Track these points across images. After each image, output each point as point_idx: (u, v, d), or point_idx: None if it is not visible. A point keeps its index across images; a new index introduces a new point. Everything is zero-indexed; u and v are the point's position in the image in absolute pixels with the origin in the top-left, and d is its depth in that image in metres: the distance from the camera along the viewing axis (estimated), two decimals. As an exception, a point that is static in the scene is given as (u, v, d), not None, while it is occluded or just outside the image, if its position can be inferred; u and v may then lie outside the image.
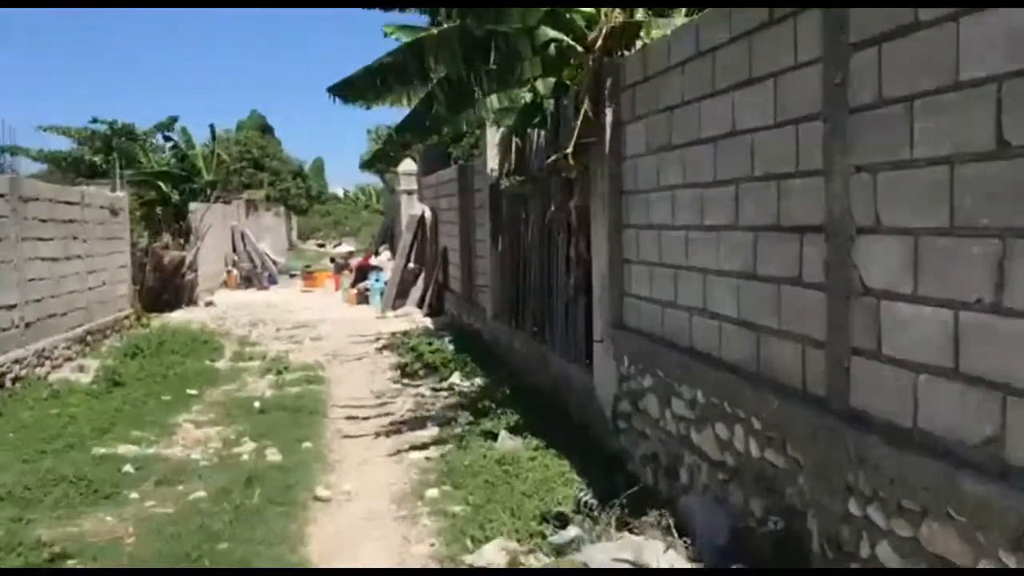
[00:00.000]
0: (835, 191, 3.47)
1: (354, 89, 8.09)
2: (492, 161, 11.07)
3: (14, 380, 9.33)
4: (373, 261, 21.38)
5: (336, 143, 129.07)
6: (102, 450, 7.09)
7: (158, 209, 20.12)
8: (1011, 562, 2.53)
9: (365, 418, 8.26)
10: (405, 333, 13.46)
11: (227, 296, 21.63)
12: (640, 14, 6.44)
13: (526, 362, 9.29)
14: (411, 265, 16.94)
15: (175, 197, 20.24)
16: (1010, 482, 2.59)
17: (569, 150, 6.26)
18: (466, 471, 6.05)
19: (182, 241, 19.64)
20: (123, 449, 7.16)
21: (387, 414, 8.36)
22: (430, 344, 11.79)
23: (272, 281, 24.92)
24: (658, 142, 5.42)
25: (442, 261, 16.02)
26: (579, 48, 6.89)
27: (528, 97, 9.06)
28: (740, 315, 4.39)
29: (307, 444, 7.26)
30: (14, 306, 9.73)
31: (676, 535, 4.26)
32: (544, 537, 4.77)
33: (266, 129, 47.93)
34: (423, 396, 9.12)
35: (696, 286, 4.93)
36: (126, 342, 12.65)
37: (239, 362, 11.72)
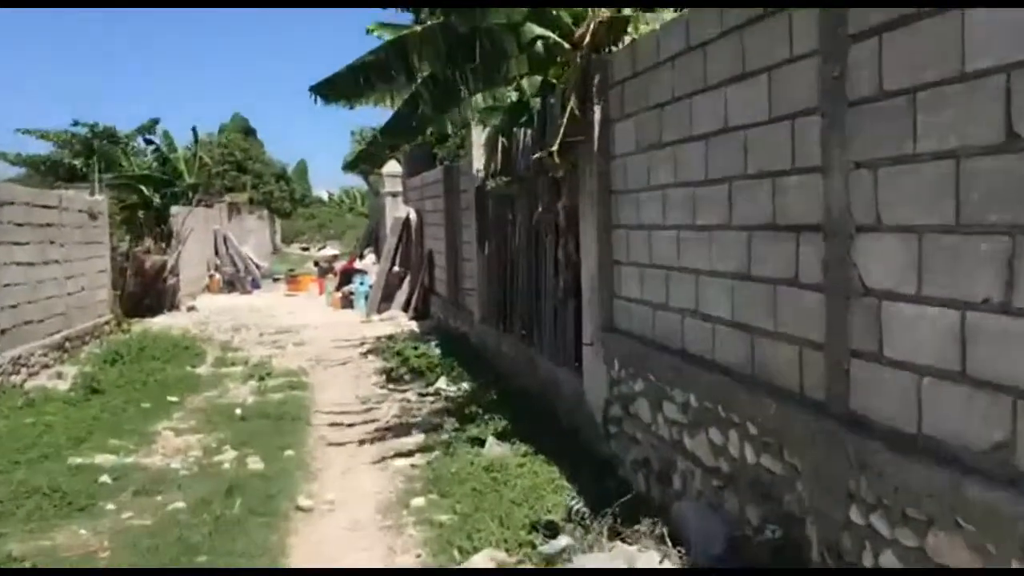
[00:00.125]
0: (833, 188, 3.35)
1: (336, 89, 7.93)
2: (478, 161, 10.94)
3: (-11, 388, 9.11)
4: (358, 264, 21.19)
5: (320, 146, 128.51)
6: (78, 460, 6.88)
7: (139, 213, 19.90)
8: (1025, 574, 2.42)
9: (349, 425, 8.09)
10: (390, 337, 13.29)
11: (210, 301, 21.37)
12: (628, 9, 6.32)
13: (514, 366, 9.15)
14: (396, 268, 16.77)
15: (156, 201, 20.00)
16: (1021, 489, 2.48)
17: (555, 147, 6.13)
18: (453, 479, 5.91)
19: (163, 245, 19.40)
20: (100, 459, 6.96)
21: (372, 420, 8.20)
22: (416, 348, 11.64)
23: (255, 285, 24.67)
24: (648, 140, 5.30)
25: (428, 264, 15.86)
26: (566, 45, 6.77)
27: (514, 96, 8.94)
28: (734, 317, 4.27)
29: (289, 452, 7.08)
30: (-11, 312, 9.50)
31: (670, 544, 4.13)
32: (534, 547, 4.64)
33: (249, 132, 47.47)
34: (409, 401, 8.96)
35: (688, 287, 4.81)
36: (106, 348, 12.41)
37: (221, 368, 11.51)
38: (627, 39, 6.22)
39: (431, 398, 8.96)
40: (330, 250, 31.38)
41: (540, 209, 7.73)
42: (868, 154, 3.16)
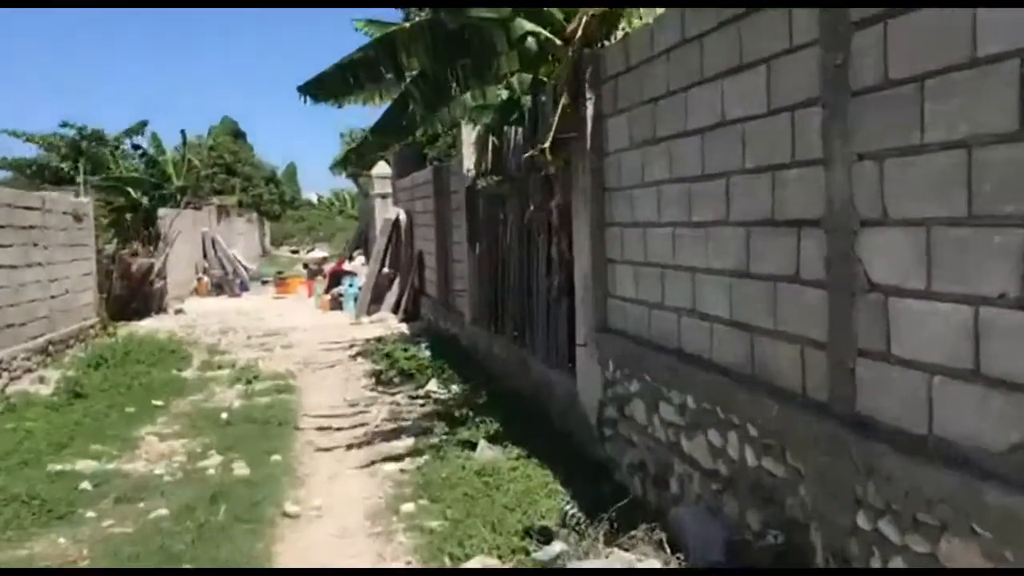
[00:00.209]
0: (836, 181, 3.24)
1: (324, 87, 7.77)
2: (468, 161, 10.80)
3: (-31, 393, 8.91)
4: (347, 266, 21.02)
5: (309, 149, 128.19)
6: (59, 466, 6.71)
7: (127, 216, 19.68)
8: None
9: (338, 428, 7.93)
10: (380, 339, 13.14)
11: (198, 304, 21.16)
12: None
13: (506, 367, 9.01)
14: (386, 270, 16.61)
15: (144, 203, 19.79)
16: (1040, 493, 2.36)
17: (546, 144, 6.00)
18: (444, 483, 5.77)
19: (151, 248, 19.19)
20: (81, 465, 6.79)
21: (361, 424, 8.04)
22: (406, 350, 11.50)
23: (244, 288, 24.44)
24: (642, 135, 5.18)
25: (418, 265, 15.70)
26: (557, 41, 6.64)
27: (504, 94, 8.80)
28: (732, 315, 4.15)
29: (276, 457, 6.92)
30: (-31, 316, 9.30)
31: (669, 551, 4.00)
32: (527, 553, 4.51)
33: (238, 135, 47.23)
34: (398, 404, 8.81)
35: (684, 286, 4.68)
36: (90, 352, 12.20)
37: (207, 371, 11.34)
38: (619, 33, 6.11)
39: (421, 401, 8.82)
40: (319, 252, 31.20)
41: (532, 208, 7.60)
42: (873, 145, 3.04)
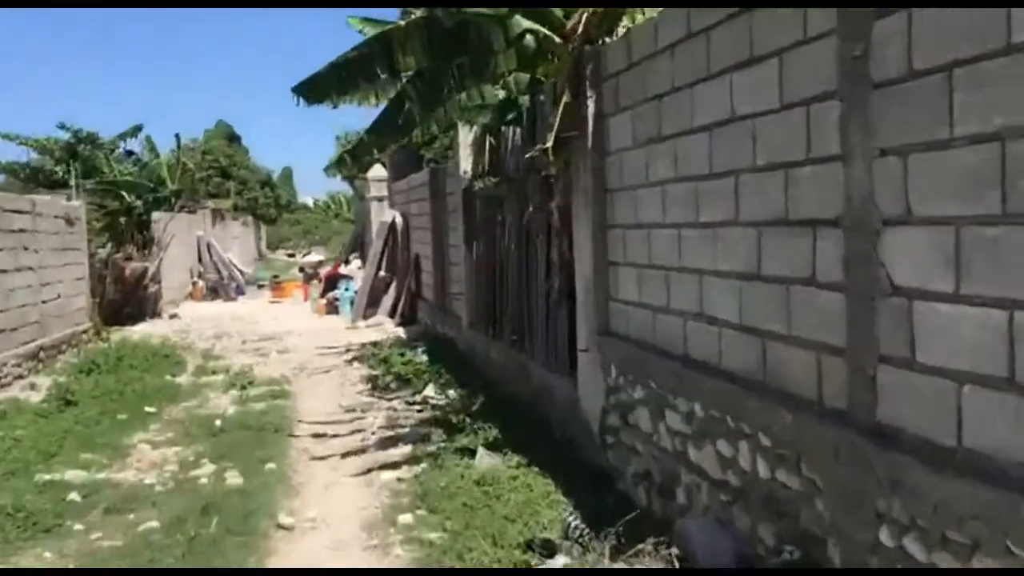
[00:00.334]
0: (856, 178, 3.08)
1: (318, 88, 7.59)
2: (465, 162, 10.63)
3: (-44, 401, 8.72)
4: (343, 270, 20.83)
5: (305, 153, 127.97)
6: (47, 476, 6.53)
7: (121, 219, 19.48)
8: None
9: (333, 436, 7.75)
10: (376, 344, 12.95)
11: (192, 308, 20.94)
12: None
13: (504, 372, 8.84)
14: (382, 273, 16.43)
15: (139, 206, 19.60)
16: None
17: (549, 144, 5.83)
18: (442, 493, 5.60)
19: (145, 252, 18.99)
20: (70, 474, 6.60)
21: (357, 431, 7.86)
22: (402, 355, 11.31)
23: (239, 292, 24.22)
24: (646, 133, 5.01)
25: (414, 268, 15.53)
26: (556, 39, 6.47)
27: (502, 95, 8.64)
28: (742, 320, 3.99)
29: (270, 465, 6.74)
30: (-43, 321, 9.12)
31: (678, 565, 3.83)
32: (529, 567, 4.33)
33: (233, 138, 47.11)
34: (395, 410, 8.63)
35: (691, 289, 4.52)
36: (83, 358, 12.01)
37: (201, 377, 11.14)
38: (621, 30, 5.95)
39: (418, 407, 8.64)
40: (315, 256, 30.98)
41: (531, 209, 7.44)
42: (896, 140, 2.88)
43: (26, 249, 11.48)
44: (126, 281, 17.65)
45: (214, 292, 23.82)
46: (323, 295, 19.58)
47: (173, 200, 21.70)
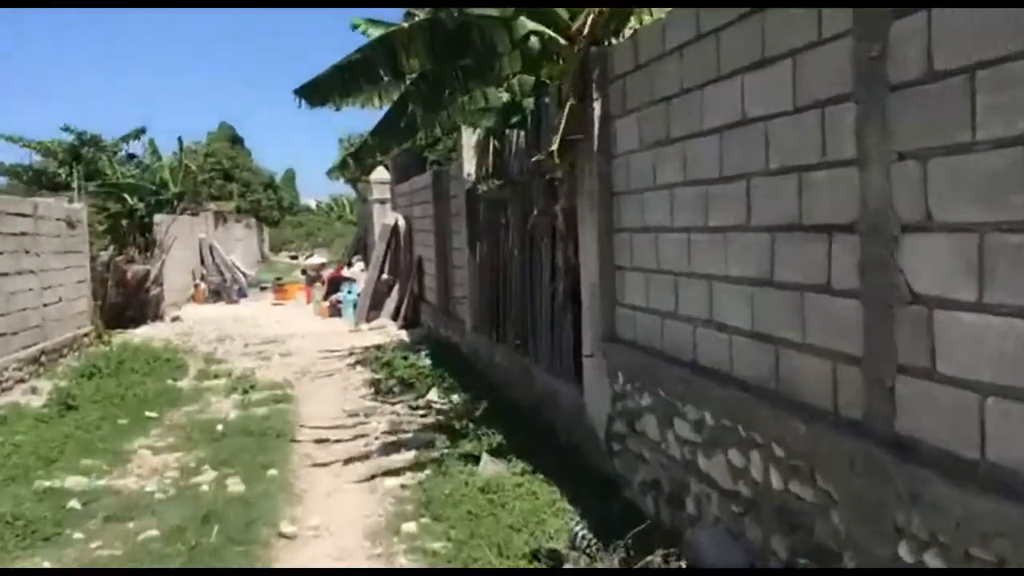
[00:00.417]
0: (873, 183, 2.99)
1: (321, 90, 7.53)
2: (469, 165, 10.56)
3: (-44, 406, 8.65)
4: (346, 272, 20.76)
5: (308, 155, 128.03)
6: (46, 483, 6.44)
7: (123, 222, 19.44)
8: None
9: (336, 441, 7.67)
10: (379, 347, 12.87)
11: (194, 311, 20.87)
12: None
13: (508, 377, 8.76)
14: (385, 276, 16.35)
15: (141, 209, 19.55)
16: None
17: (554, 147, 5.75)
18: (446, 501, 5.51)
19: (147, 254, 18.93)
20: (71, 481, 6.52)
21: (360, 436, 7.78)
22: (405, 359, 11.24)
23: (242, 294, 24.15)
24: (654, 136, 4.93)
25: (417, 271, 15.46)
26: (561, 40, 6.40)
27: (506, 97, 8.57)
28: (754, 327, 3.90)
29: (272, 471, 6.66)
30: (-43, 325, 9.04)
31: (688, 578, 3.75)
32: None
33: (236, 140, 47.10)
34: (398, 415, 8.55)
35: (700, 294, 4.44)
36: (84, 361, 11.94)
37: (203, 381, 11.07)
38: (628, 31, 5.87)
39: (422, 411, 8.56)
40: (318, 258, 30.95)
41: (535, 212, 7.36)
42: (915, 143, 2.79)
43: (27, 252, 11.41)
44: (128, 284, 17.58)
45: (216, 294, 23.75)
46: (326, 298, 19.52)
47: (175, 202, 21.68)
